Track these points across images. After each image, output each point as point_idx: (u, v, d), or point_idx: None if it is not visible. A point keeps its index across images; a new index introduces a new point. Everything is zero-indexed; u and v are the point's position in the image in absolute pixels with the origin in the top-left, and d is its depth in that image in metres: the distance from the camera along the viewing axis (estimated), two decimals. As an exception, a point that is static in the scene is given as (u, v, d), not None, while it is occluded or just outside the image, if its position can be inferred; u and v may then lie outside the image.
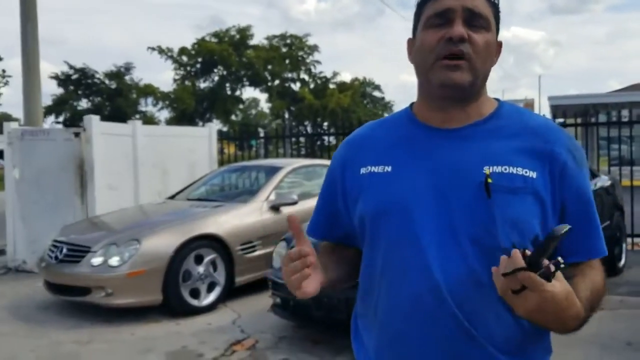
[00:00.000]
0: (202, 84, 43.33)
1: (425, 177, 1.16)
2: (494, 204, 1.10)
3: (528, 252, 0.95)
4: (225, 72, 42.85)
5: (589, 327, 3.86)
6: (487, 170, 1.12)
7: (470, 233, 1.10)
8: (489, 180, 1.11)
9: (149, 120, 38.20)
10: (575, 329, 1.04)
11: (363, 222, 1.23)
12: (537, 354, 1.19)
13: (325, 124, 44.70)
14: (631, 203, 7.32)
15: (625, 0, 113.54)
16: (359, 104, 49.77)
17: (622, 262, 6.39)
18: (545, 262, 0.94)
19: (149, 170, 7.91)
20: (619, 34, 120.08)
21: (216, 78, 43.28)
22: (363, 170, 1.24)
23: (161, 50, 41.39)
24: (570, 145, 1.18)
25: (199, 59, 41.43)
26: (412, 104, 1.30)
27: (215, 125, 12.79)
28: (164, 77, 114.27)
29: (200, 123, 36.18)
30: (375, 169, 1.22)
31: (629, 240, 7.41)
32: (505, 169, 1.12)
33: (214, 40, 41.99)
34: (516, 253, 0.95)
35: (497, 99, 1.27)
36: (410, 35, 1.27)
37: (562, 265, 0.94)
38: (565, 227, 0.93)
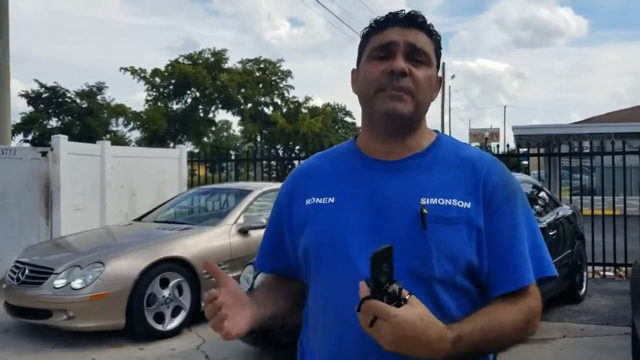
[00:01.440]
0: (175, 106, 43.12)
1: (364, 208, 1.18)
2: (429, 234, 1.12)
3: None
4: (198, 95, 42.75)
5: (549, 354, 3.94)
6: (423, 201, 1.14)
7: (407, 264, 1.10)
8: (424, 212, 1.13)
9: (119, 140, 37.76)
10: (453, 352, 1.01)
11: (307, 254, 1.23)
12: None
13: (297, 147, 44.86)
14: (592, 232, 7.50)
15: (585, 36, 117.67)
16: (330, 128, 50.10)
17: (583, 290, 6.49)
18: (394, 287, 0.95)
19: (117, 191, 7.83)
20: (579, 67, 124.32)
21: (189, 100, 43.13)
22: (308, 202, 1.25)
23: (134, 71, 41.14)
24: (502, 176, 1.20)
25: (172, 81, 41.27)
26: (356, 137, 1.33)
27: (187, 147, 12.73)
28: (136, 97, 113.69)
29: (172, 144, 35.92)
30: (319, 200, 1.23)
31: (589, 268, 7.61)
32: (441, 201, 1.15)
33: (187, 62, 41.94)
34: (362, 284, 0.96)
35: (436, 131, 1.30)
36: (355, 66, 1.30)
37: (400, 288, 0.95)
38: (384, 246, 0.94)
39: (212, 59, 42.66)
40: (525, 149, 14.11)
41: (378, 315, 0.95)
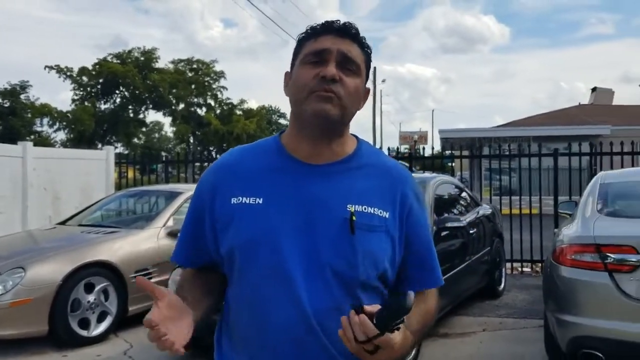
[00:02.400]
0: (103, 106, 41.77)
1: (294, 211, 1.22)
2: (356, 239, 1.20)
3: (367, 308, 1.05)
4: (127, 94, 41.57)
5: (470, 347, 4.13)
6: (350, 208, 1.22)
7: (334, 266, 1.19)
8: (354, 218, 1.21)
9: (44, 141, 36.20)
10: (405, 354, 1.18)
11: (232, 252, 1.25)
12: None
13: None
14: (510, 230, 7.90)
15: (508, 43, 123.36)
16: (264, 130, 49.86)
17: (502, 286, 6.81)
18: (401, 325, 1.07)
19: (40, 194, 7.55)
20: (502, 73, 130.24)
21: (118, 100, 41.88)
22: (234, 200, 1.26)
23: (60, 70, 39.56)
24: (415, 188, 1.33)
25: (100, 80, 39.95)
26: (280, 133, 1.36)
27: (115, 148, 12.38)
28: (62, 97, 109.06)
29: (100, 146, 34.77)
30: (246, 199, 1.25)
31: (508, 265, 8.00)
32: (365, 209, 1.23)
33: (116, 61, 40.70)
34: (365, 321, 1.04)
35: (355, 136, 1.37)
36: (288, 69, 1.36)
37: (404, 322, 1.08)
38: (409, 297, 1.04)
39: (142, 58, 41.59)
40: (451, 151, 14.64)
41: (384, 346, 1.06)
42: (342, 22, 1.28)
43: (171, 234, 5.96)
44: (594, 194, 4.50)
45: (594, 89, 31.93)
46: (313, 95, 1.22)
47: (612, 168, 7.01)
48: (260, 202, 1.24)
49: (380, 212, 1.24)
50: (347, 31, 1.27)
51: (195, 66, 45.64)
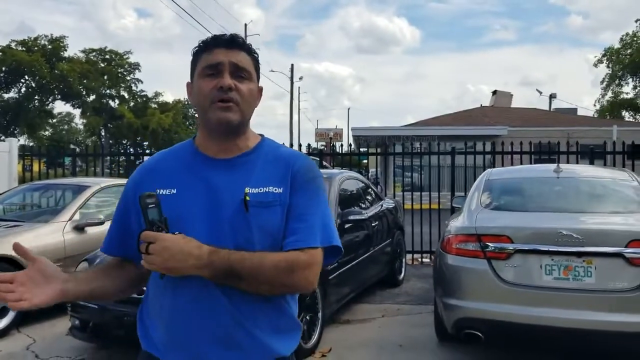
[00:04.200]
0: (6, 95, 39.39)
1: (202, 198, 1.43)
2: (251, 217, 1.40)
3: None
4: (33, 84, 39.43)
5: (369, 332, 4.49)
6: (246, 190, 1.42)
7: (235, 241, 1.39)
8: (247, 199, 1.41)
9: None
10: (210, 259, 1.33)
11: None
12: (288, 328, 1.49)
13: (146, 143, 43.25)
14: (412, 223, 8.38)
15: (419, 46, 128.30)
16: (180, 124, 48.91)
17: (402, 275, 7.23)
18: (162, 224, 1.34)
19: None
20: (413, 75, 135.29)
21: (23, 89, 39.64)
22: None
23: (-43, 55, 36.96)
24: (305, 166, 1.50)
25: (4, 68, 37.64)
26: (194, 136, 1.57)
27: (19, 140, 11.85)
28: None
29: (2, 137, 32.82)
30: (163, 191, 1.45)
31: (410, 256, 8.50)
32: (261, 189, 1.43)
33: (21, 48, 38.47)
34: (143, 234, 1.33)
35: (261, 135, 1.59)
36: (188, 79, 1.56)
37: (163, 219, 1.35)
38: (147, 193, 1.37)
39: (50, 47, 39.57)
40: (365, 149, 15.13)
41: (151, 240, 1.31)
42: (229, 35, 1.49)
43: (77, 228, 5.91)
44: (480, 189, 4.94)
45: (494, 92, 33.87)
46: (214, 105, 1.43)
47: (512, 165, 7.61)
48: (174, 192, 1.46)
49: (275, 189, 1.44)
50: (235, 42, 1.48)
51: (108, 57, 44.01)
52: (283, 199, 1.44)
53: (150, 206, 1.36)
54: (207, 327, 1.39)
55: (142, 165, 1.60)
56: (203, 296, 1.39)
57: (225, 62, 1.44)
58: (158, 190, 1.44)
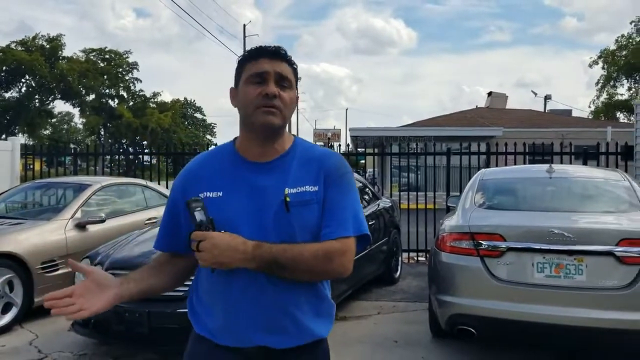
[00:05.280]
0: (7, 94, 39.43)
1: (246, 200, 1.56)
2: (292, 216, 1.54)
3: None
4: (34, 83, 39.47)
5: (365, 328, 4.59)
6: (288, 191, 1.55)
7: (279, 238, 1.53)
8: (287, 199, 1.54)
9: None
10: (256, 253, 1.47)
11: None
12: (326, 312, 1.65)
13: (145, 143, 43.30)
14: (408, 223, 8.50)
15: (416, 47, 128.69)
16: (179, 124, 48.97)
17: (398, 273, 7.33)
18: (209, 224, 1.48)
19: (-62, 185, 7.26)
20: (410, 76, 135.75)
21: (23, 89, 39.67)
22: (201, 195, 1.58)
23: (-43, 55, 36.98)
24: (336, 163, 1.63)
25: (4, 68, 37.67)
26: (235, 139, 1.69)
27: (20, 139, 11.93)
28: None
29: (4, 136, 32.86)
30: (210, 194, 1.58)
31: (406, 254, 8.60)
32: (298, 189, 1.57)
33: (20, 48, 38.50)
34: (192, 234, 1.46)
35: (293, 135, 1.73)
36: (232, 84, 1.68)
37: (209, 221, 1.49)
38: (194, 197, 1.51)
39: (48, 46, 39.60)
40: (363, 149, 15.22)
41: (201, 238, 1.44)
42: (274, 46, 1.63)
43: (79, 226, 6.00)
44: (474, 188, 5.04)
45: (489, 93, 33.98)
46: (259, 110, 1.55)
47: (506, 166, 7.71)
48: (221, 195, 1.58)
49: (311, 188, 1.57)
50: (279, 54, 1.61)
51: (107, 56, 44.07)
52: (319, 197, 1.58)
53: (197, 209, 1.49)
54: (256, 314, 1.53)
55: (187, 169, 1.70)
56: (251, 286, 1.53)
57: (270, 71, 1.57)
58: (205, 194, 1.58)
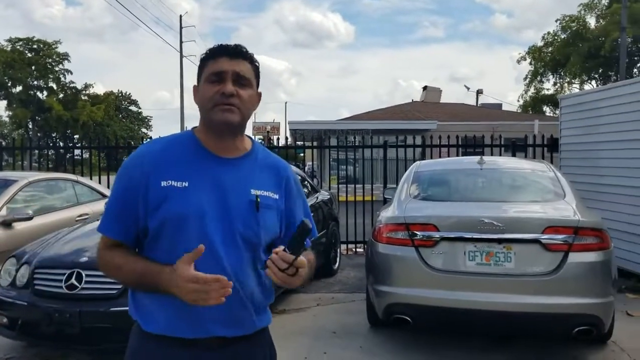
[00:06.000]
0: None
1: (213, 193, 1.59)
2: (260, 215, 1.63)
3: (281, 248, 1.48)
4: (-47, 74, 37.30)
5: (304, 320, 4.61)
6: (255, 192, 1.64)
7: (244, 234, 1.60)
8: (258, 200, 1.63)
9: None
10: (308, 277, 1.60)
11: (164, 225, 1.56)
12: (269, 304, 1.76)
13: (77, 136, 41.79)
14: (346, 214, 8.59)
15: (352, 41, 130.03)
16: (113, 117, 47.50)
17: (337, 265, 7.39)
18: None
19: None
20: (348, 70, 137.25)
21: (-59, 79, 37.44)
22: (164, 183, 1.57)
23: None
24: (293, 175, 1.79)
25: None
26: (193, 129, 1.71)
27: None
28: None
29: None
30: (175, 183, 1.58)
31: (345, 246, 8.71)
32: (263, 192, 1.66)
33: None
34: (283, 253, 1.46)
35: (250, 137, 1.77)
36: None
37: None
38: (308, 222, 1.48)
39: (-29, 35, 37.53)
40: (302, 142, 15.24)
41: (301, 266, 1.48)
42: (234, 45, 1.66)
43: (4, 224, 5.72)
44: (409, 180, 5.15)
45: (424, 88, 34.78)
46: (217, 108, 1.60)
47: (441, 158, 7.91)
48: (186, 185, 1.58)
49: (273, 195, 1.69)
50: (239, 53, 1.65)
51: (35, 46, 42.15)
52: (279, 205, 1.70)
53: (305, 239, 1.50)
54: (219, 309, 1.50)
55: (146, 152, 1.64)
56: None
57: (229, 70, 1.61)
58: (170, 182, 1.58)
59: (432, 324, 4.48)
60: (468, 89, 63.49)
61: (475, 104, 37.52)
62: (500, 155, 8.75)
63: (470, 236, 4.11)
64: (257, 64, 1.69)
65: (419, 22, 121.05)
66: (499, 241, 4.07)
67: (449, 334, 4.83)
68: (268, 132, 19.20)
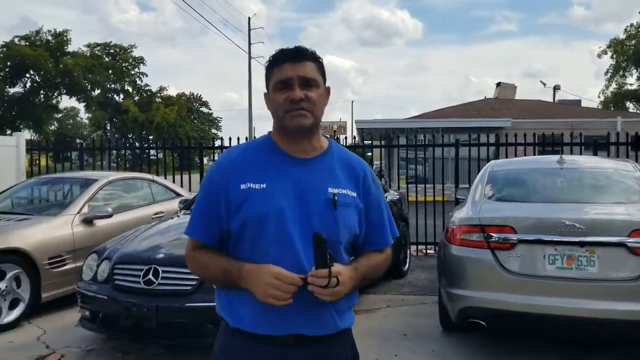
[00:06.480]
0: (12, 90, 39.53)
1: (290, 193, 1.62)
2: (337, 213, 1.63)
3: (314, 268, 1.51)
4: (38, 79, 39.55)
5: (373, 321, 4.54)
6: (332, 190, 1.64)
7: (323, 232, 1.57)
8: (335, 198, 1.63)
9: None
10: (357, 275, 1.63)
11: (245, 226, 1.62)
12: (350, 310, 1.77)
13: (151, 137, 43.40)
14: (416, 215, 8.46)
15: (421, 38, 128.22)
16: (185, 119, 48.97)
17: (407, 266, 7.29)
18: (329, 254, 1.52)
19: (-56, 182, 7.27)
20: (416, 67, 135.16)
21: (28, 84, 39.75)
22: (243, 186, 1.63)
23: (-37, 50, 37.11)
24: (370, 172, 1.79)
25: (8, 63, 37.74)
26: (269, 133, 1.75)
27: (26, 134, 11.91)
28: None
29: (9, 132, 32.97)
30: (253, 185, 1.62)
31: (415, 247, 8.57)
32: (341, 191, 1.66)
33: (24, 43, 38.57)
34: (316, 272, 1.51)
35: (325, 136, 1.79)
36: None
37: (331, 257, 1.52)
38: (319, 234, 1.49)
39: (53, 41, 39.66)
40: (369, 141, 15.17)
41: (340, 274, 1.52)
42: (294, 48, 1.68)
43: (86, 221, 5.98)
44: (483, 180, 4.98)
45: (498, 84, 33.77)
46: (288, 115, 1.63)
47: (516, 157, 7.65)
48: (264, 187, 1.63)
49: (352, 193, 1.68)
50: (301, 55, 1.67)
51: (112, 51, 44.10)
52: (357, 203, 1.70)
53: (327, 248, 1.51)
54: (298, 307, 1.56)
55: (226, 158, 1.72)
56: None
57: (293, 76, 1.63)
58: (248, 185, 1.62)
59: (508, 329, 4.32)
60: (544, 84, 61.14)
61: (552, 101, 36.08)
62: (580, 154, 8.34)
63: (550, 239, 3.93)
64: (320, 60, 1.71)
65: (491, 16, 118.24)
66: (582, 244, 3.87)
67: (525, 340, 4.64)
68: (335, 131, 19.24)
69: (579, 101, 34.58)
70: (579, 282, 3.85)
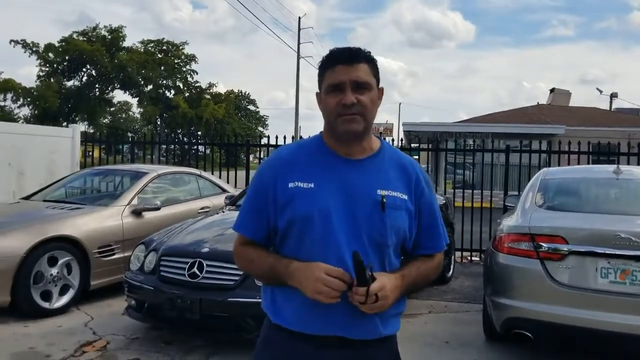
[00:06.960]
0: (69, 83, 40.94)
1: (338, 193, 1.60)
2: (386, 216, 1.60)
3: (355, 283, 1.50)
4: (94, 73, 40.83)
5: (415, 327, 4.47)
6: (381, 192, 1.61)
7: (369, 235, 1.59)
8: (384, 200, 1.60)
9: (6, 116, 35.45)
10: (403, 283, 1.61)
11: (292, 224, 1.62)
12: (401, 312, 1.75)
13: (199, 133, 44.18)
14: (462, 221, 8.32)
15: (473, 41, 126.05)
16: (233, 116, 49.56)
17: (451, 272, 7.15)
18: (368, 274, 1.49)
19: (3, 169, 7.57)
20: (467, 70, 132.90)
21: (84, 78, 41.09)
22: (291, 185, 1.62)
23: (25, 45, 38.66)
24: (423, 175, 1.75)
25: (67, 57, 39.12)
26: (321, 133, 1.74)
27: (81, 127, 12.30)
28: (25, 72, 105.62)
29: (65, 123, 34.15)
30: (301, 184, 1.62)
31: (459, 254, 8.43)
32: (391, 193, 1.63)
33: (82, 39, 39.89)
34: (356, 288, 1.49)
35: (378, 137, 1.78)
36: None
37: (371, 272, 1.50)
38: (357, 253, 1.47)
39: (109, 37, 40.87)
40: (416, 144, 14.98)
41: (378, 290, 1.49)
42: (348, 49, 1.65)
43: (135, 213, 6.12)
44: (535, 188, 4.85)
45: (552, 90, 32.86)
46: (340, 119, 1.61)
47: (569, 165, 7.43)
48: (312, 186, 1.62)
49: (401, 195, 1.65)
50: (354, 58, 1.63)
51: (165, 47, 45.07)
52: (408, 205, 1.66)
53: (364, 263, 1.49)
54: (340, 308, 1.55)
55: (277, 157, 1.72)
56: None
57: (346, 80, 1.60)
58: (296, 183, 1.62)
59: (555, 342, 4.19)
60: (601, 92, 58.80)
61: (608, 109, 34.86)
62: (638, 164, 8.02)
63: (603, 251, 3.79)
64: (374, 61, 1.67)
65: (546, 20, 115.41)
66: (637, 258, 3.72)
67: (571, 354, 4.49)
68: (381, 133, 19.13)
69: (638, 110, 33.27)
70: (632, 298, 3.71)
